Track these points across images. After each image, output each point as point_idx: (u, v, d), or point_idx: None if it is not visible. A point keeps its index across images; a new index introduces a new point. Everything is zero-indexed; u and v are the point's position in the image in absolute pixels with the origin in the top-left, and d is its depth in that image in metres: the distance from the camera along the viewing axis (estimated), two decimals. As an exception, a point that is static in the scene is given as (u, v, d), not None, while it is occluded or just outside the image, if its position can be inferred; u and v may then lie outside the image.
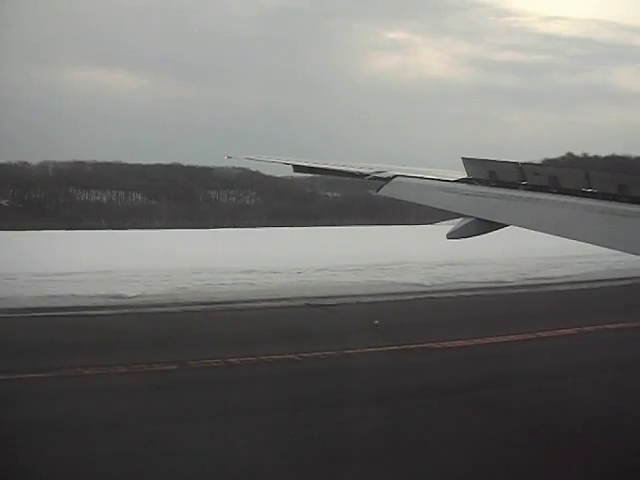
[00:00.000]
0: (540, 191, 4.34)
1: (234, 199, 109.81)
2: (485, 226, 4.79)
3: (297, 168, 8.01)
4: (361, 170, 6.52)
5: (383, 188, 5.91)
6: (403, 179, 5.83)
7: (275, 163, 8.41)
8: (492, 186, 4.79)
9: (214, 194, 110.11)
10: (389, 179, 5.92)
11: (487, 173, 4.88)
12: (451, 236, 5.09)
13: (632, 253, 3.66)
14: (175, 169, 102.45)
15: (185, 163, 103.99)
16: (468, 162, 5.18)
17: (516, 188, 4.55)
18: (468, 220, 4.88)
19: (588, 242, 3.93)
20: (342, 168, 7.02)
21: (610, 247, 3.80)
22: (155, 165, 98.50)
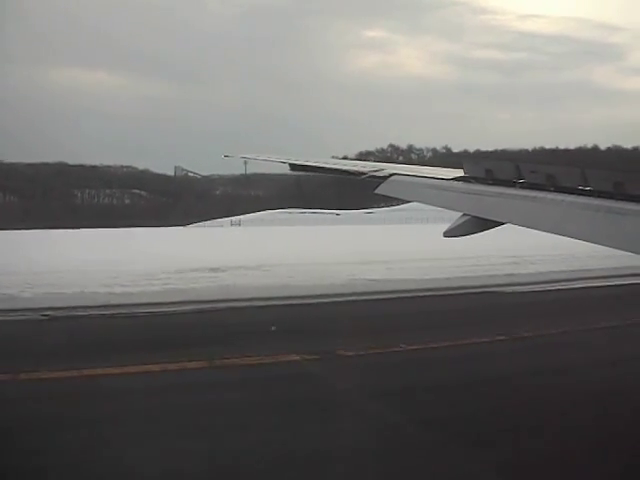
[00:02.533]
0: (536, 189, 4.37)
1: (110, 199, 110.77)
2: (481, 224, 4.82)
3: (293, 167, 8.02)
4: (358, 169, 6.54)
5: (380, 187, 5.94)
6: (400, 177, 5.85)
7: (273, 162, 8.42)
8: (489, 184, 4.82)
9: (90, 193, 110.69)
10: (386, 178, 5.94)
11: (484, 171, 4.91)
12: (448, 234, 5.12)
13: (628, 251, 3.70)
14: (59, 167, 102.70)
15: (72, 162, 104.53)
16: (465, 160, 5.21)
17: (513, 186, 4.58)
18: (465, 218, 4.91)
19: (584, 240, 3.96)
20: (338, 167, 7.04)
21: (606, 245, 3.83)
22: (40, 164, 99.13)
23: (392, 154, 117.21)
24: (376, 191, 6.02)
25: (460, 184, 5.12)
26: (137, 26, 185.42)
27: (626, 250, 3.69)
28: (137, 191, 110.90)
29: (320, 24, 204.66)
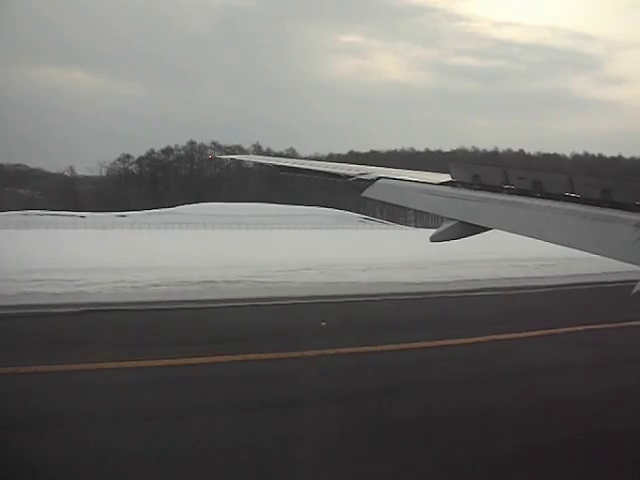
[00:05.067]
0: (523, 195, 4.36)
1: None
2: (468, 229, 4.80)
3: (282, 169, 8.01)
4: (345, 172, 6.52)
5: (367, 190, 5.91)
6: (387, 181, 5.83)
7: (261, 163, 8.40)
8: (476, 189, 4.80)
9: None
10: (373, 181, 5.92)
11: (471, 176, 4.89)
12: (434, 239, 5.08)
13: (612, 258, 3.69)
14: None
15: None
16: (452, 165, 5.19)
17: (500, 192, 4.57)
18: (452, 223, 4.88)
19: (569, 246, 3.95)
20: (326, 169, 7.03)
21: (591, 251, 3.82)
22: None
23: (191, 151, 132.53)
24: (363, 194, 5.99)
25: (447, 188, 5.09)
26: (116, 27, 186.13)
27: (611, 257, 3.68)
28: (22, 190, 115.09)
29: (297, 28, 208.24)
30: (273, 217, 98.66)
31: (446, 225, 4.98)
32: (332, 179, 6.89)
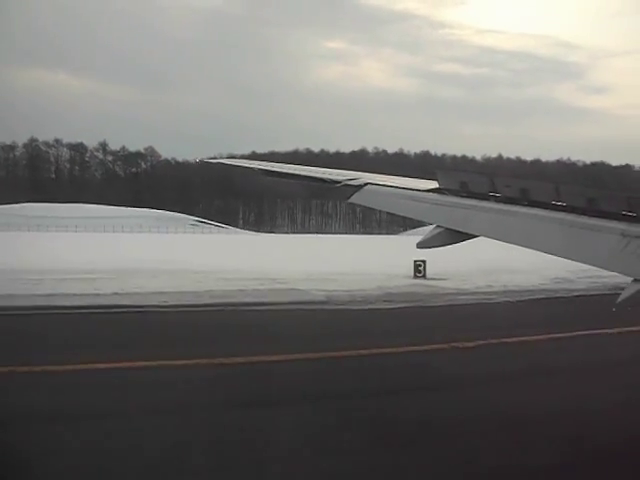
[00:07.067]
0: (510, 203, 4.38)
1: None
2: (455, 236, 4.81)
3: (268, 173, 7.95)
4: (332, 177, 6.50)
5: (354, 196, 5.91)
6: (374, 187, 5.83)
7: (246, 168, 8.35)
8: (463, 197, 4.82)
9: None
10: (360, 187, 5.92)
11: (458, 184, 4.91)
12: (421, 245, 5.09)
13: (597, 267, 3.72)
14: None
15: None
16: (440, 172, 5.21)
17: (487, 199, 4.59)
18: (438, 230, 4.89)
19: (555, 255, 3.97)
20: (313, 174, 6.98)
21: (576, 260, 3.85)
22: None
23: (46, 149, 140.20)
24: (350, 200, 5.99)
25: (434, 196, 5.10)
26: (101, 31, 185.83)
27: (597, 266, 3.71)
28: None
29: (279, 33, 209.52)
30: (93, 219, 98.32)
31: (433, 232, 5.00)
32: (318, 184, 6.87)
